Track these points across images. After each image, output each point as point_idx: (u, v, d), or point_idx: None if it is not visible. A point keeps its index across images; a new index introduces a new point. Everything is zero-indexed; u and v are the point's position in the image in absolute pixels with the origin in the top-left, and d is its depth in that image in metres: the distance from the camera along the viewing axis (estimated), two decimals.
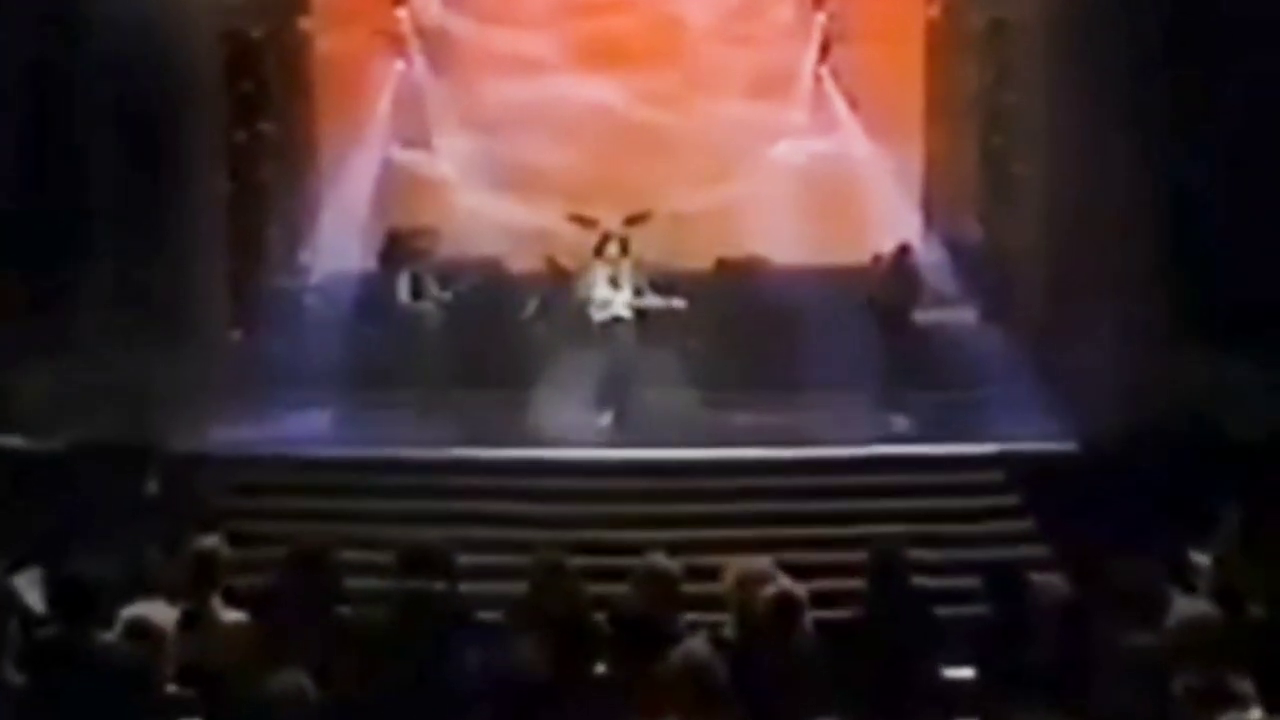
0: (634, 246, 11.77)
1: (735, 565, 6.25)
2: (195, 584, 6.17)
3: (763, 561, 6.34)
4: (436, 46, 13.25)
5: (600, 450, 10.56)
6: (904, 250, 11.87)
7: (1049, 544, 9.43)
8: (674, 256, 12.33)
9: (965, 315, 12.21)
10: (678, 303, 11.28)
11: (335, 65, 13.28)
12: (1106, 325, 10.84)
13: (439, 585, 6.19)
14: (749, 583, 6.02)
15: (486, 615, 6.40)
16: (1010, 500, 9.97)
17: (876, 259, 12.24)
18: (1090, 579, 6.89)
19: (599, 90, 13.10)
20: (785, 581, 5.98)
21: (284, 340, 11.89)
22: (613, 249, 11.37)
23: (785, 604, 5.66)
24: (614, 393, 11.28)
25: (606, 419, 11.28)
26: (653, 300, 11.29)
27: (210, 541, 6.42)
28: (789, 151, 13.06)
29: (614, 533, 9.46)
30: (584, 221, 12.40)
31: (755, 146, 13.07)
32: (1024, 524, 9.76)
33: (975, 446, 10.37)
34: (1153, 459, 9.69)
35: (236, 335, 12.54)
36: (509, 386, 11.81)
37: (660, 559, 6.38)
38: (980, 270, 12.41)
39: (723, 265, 12.78)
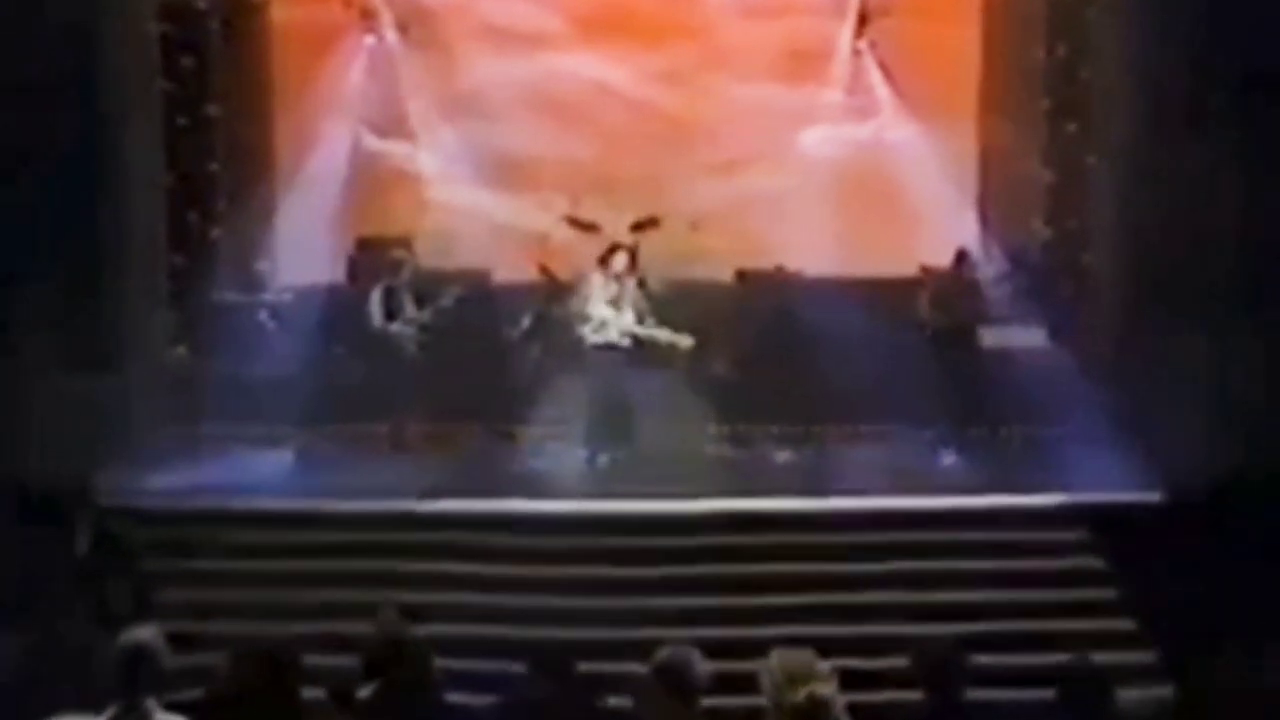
0: (641, 254, 11.58)
1: (777, 658, 5.89)
2: (126, 686, 5.76)
3: (804, 655, 6.01)
4: (413, 18, 13.01)
5: (598, 501, 10.28)
6: (961, 258, 11.59)
7: (1135, 617, 9.21)
8: (687, 265, 12.11)
9: (1029, 336, 11.89)
10: (685, 340, 11.07)
11: (294, 39, 13.04)
12: (1198, 349, 10.54)
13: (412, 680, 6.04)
14: (791, 682, 5.70)
15: (463, 699, 6.35)
16: (1088, 563, 9.73)
17: (925, 271, 11.95)
18: (1188, 670, 6.62)
19: (602, 69, 12.91)
20: (819, 685, 5.65)
21: (234, 365, 11.70)
22: (619, 262, 11.13)
23: (811, 711, 5.29)
24: (615, 429, 11.05)
25: (605, 460, 11.05)
26: (656, 332, 11.09)
27: (144, 633, 6.01)
28: (822, 140, 12.82)
29: (616, 600, 9.30)
30: (584, 226, 12.24)
31: (783, 134, 12.82)
32: (1105, 592, 9.53)
33: (1045, 498, 10.11)
34: (1259, 513, 9.34)
35: (180, 352, 12.32)
36: (495, 421, 11.67)
37: (682, 652, 6.07)
38: (1047, 283, 12.16)
39: (744, 277, 12.52)
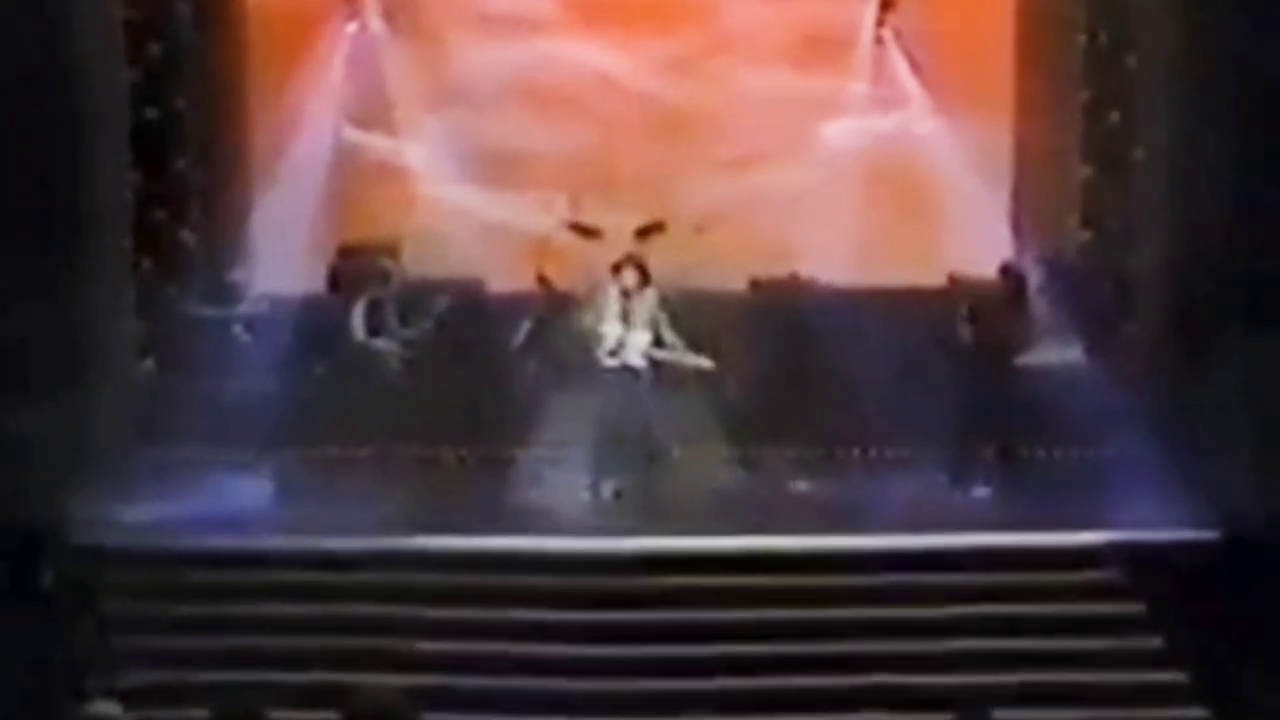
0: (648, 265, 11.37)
1: None
2: None
3: None
4: (399, 3, 12.85)
5: (602, 538, 10.12)
6: (1006, 271, 11.43)
7: (1185, 669, 9.06)
8: (694, 273, 11.85)
9: (1066, 351, 11.68)
10: (705, 363, 10.99)
11: (271, 25, 12.87)
12: (1252, 363, 10.37)
13: None
14: None
15: None
16: (1132, 608, 9.53)
17: (954, 280, 11.79)
18: None
19: (602, 58, 12.73)
20: None
21: (206, 382, 11.62)
22: (629, 277, 11.02)
23: None
24: (622, 455, 10.90)
25: (611, 491, 10.91)
26: (677, 354, 10.99)
27: (106, 709, 6.37)
28: (842, 135, 12.59)
29: (620, 650, 9.14)
30: (585, 231, 12.10)
31: (799, 128, 12.60)
32: (1150, 641, 9.35)
33: (1083, 535, 9.90)
34: None
35: (148, 365, 12.20)
36: (488, 445, 11.58)
37: None
38: (1087, 292, 11.95)
39: (758, 287, 12.37)
